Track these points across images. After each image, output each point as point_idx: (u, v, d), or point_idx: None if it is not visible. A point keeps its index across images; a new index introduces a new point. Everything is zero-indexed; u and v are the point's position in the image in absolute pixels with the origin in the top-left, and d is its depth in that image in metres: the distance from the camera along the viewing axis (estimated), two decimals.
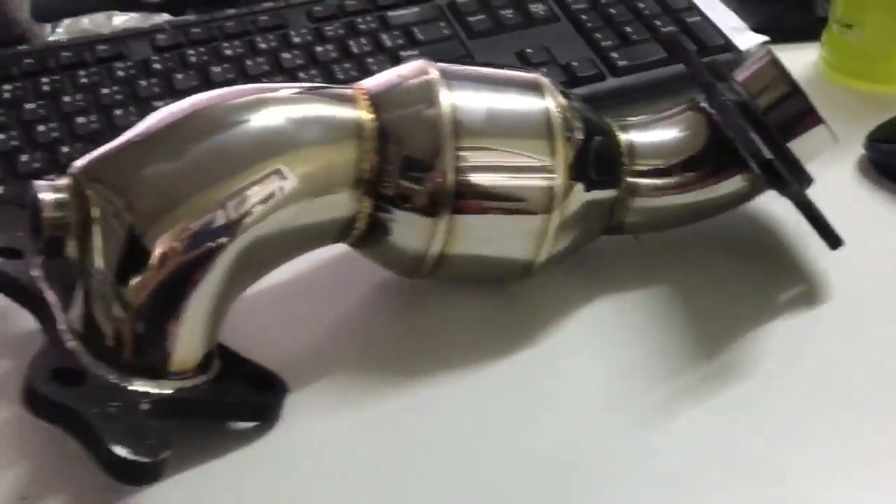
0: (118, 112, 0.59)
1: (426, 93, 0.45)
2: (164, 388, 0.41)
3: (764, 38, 0.66)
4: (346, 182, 0.44)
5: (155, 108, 0.58)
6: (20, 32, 0.68)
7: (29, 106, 0.59)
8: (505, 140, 0.45)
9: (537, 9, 0.66)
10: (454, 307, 0.49)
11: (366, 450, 0.43)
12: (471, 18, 0.65)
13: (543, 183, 0.45)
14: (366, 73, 0.61)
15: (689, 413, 0.44)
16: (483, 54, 0.63)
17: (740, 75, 0.50)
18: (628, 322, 0.49)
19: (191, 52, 0.63)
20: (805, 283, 0.50)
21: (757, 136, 0.47)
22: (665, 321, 0.49)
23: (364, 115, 0.45)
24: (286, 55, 0.62)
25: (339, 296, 0.50)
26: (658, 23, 0.65)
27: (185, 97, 0.58)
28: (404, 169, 0.44)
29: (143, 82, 0.61)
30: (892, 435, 0.43)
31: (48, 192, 0.41)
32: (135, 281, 0.41)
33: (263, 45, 0.63)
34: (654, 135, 0.50)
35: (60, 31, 0.71)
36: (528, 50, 0.63)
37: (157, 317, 0.41)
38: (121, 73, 0.61)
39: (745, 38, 0.66)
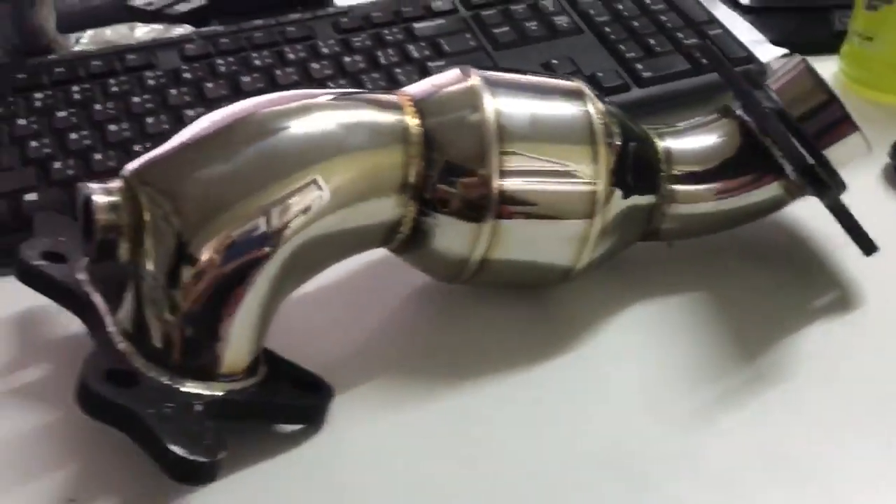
0: (150, 120, 0.59)
1: (470, 98, 0.45)
2: (214, 390, 0.42)
3: (784, 50, 0.68)
4: (392, 186, 0.44)
5: (186, 117, 0.59)
6: (46, 43, 0.68)
7: (60, 114, 0.59)
8: (548, 145, 0.46)
9: (561, 21, 0.67)
10: (493, 312, 0.50)
11: (410, 452, 0.44)
12: (496, 30, 0.66)
13: (586, 188, 0.46)
14: (394, 83, 0.62)
15: (732, 415, 0.45)
16: (509, 65, 0.63)
17: (774, 84, 0.50)
18: (667, 327, 0.49)
19: (220, 61, 0.63)
20: (838, 288, 0.51)
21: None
22: (702, 326, 0.49)
23: (409, 120, 0.45)
24: (315, 65, 0.63)
25: (378, 301, 0.51)
26: (680, 35, 0.66)
27: (215, 105, 0.59)
28: (449, 173, 0.45)
29: (174, 91, 0.61)
30: None
31: (101, 194, 0.41)
32: (185, 284, 0.41)
33: (292, 56, 0.64)
34: (690, 141, 0.50)
35: (84, 42, 0.71)
36: (554, 61, 0.64)
37: (207, 320, 0.42)
38: (151, 82, 0.62)
39: (765, 51, 0.68)
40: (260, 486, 0.42)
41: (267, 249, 0.42)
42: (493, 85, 0.46)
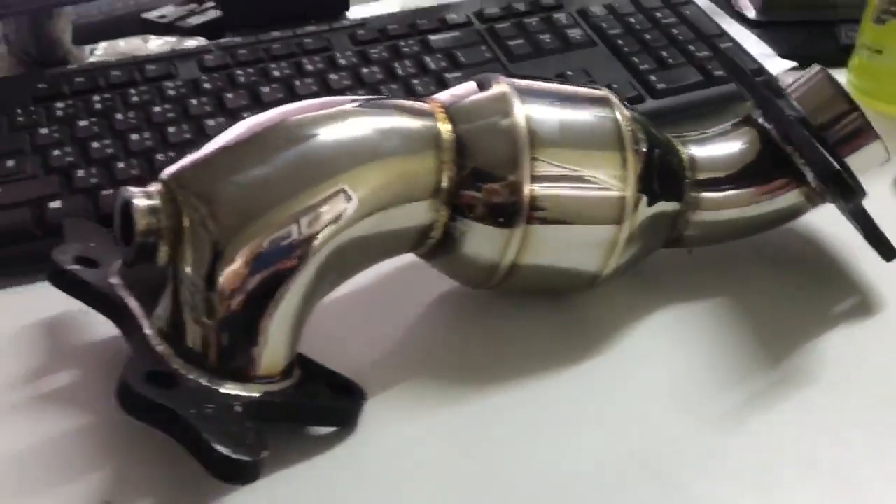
0: (171, 129, 0.59)
1: (501, 104, 0.46)
2: (252, 392, 0.42)
3: (793, 63, 0.69)
4: (425, 191, 0.45)
5: (208, 126, 0.60)
6: (62, 55, 0.69)
7: (82, 123, 0.60)
8: (578, 151, 0.46)
9: (574, 34, 0.68)
10: (520, 317, 0.50)
11: (440, 454, 0.44)
12: (510, 42, 0.67)
13: (616, 194, 0.46)
14: (412, 93, 0.62)
15: (760, 416, 0.45)
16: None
17: (795, 93, 0.51)
18: (692, 331, 0.50)
19: (239, 72, 0.64)
20: (858, 293, 0.52)
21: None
22: (726, 330, 0.50)
23: (441, 126, 0.46)
24: (333, 76, 0.64)
25: (407, 306, 0.51)
26: (692, 48, 0.67)
27: (237, 115, 0.60)
28: (481, 179, 0.45)
29: (194, 101, 0.61)
30: None
31: (141, 198, 0.42)
32: (222, 288, 0.41)
33: (310, 67, 0.64)
34: (713, 149, 0.51)
35: (99, 53, 0.72)
36: (569, 72, 0.65)
37: (245, 324, 0.42)
38: (171, 92, 0.62)
39: (774, 64, 0.69)
40: (296, 487, 0.42)
41: (302, 254, 0.42)
42: (522, 92, 0.47)
